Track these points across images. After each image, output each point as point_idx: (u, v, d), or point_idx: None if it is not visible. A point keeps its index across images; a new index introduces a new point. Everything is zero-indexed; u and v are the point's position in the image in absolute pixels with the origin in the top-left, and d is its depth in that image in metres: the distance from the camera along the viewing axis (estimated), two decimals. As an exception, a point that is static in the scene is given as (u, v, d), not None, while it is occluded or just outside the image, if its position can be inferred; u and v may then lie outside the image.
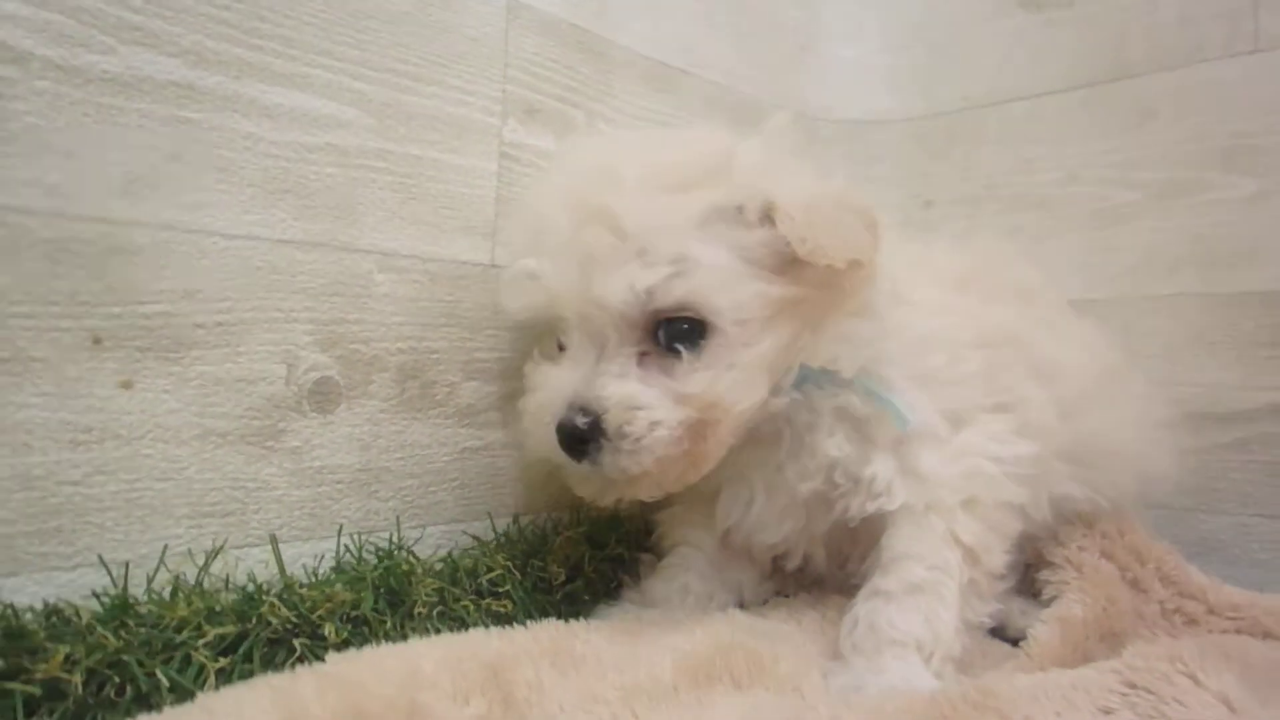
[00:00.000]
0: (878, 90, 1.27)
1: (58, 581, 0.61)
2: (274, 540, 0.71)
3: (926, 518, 0.71)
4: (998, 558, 0.73)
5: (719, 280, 0.64)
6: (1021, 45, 1.16)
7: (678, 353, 0.65)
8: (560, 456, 0.66)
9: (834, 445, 0.71)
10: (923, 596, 0.69)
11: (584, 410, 0.64)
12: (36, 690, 0.50)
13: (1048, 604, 0.79)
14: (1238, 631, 0.78)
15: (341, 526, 0.75)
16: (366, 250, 0.78)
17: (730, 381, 0.65)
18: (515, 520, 0.87)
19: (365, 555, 0.75)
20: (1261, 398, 0.98)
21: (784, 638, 0.73)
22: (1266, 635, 0.77)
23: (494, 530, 0.84)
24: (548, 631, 0.67)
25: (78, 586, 0.61)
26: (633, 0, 1.00)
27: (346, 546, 0.75)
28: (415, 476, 0.82)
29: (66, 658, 0.52)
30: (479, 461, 0.86)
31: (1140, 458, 0.84)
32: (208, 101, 0.67)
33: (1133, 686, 0.60)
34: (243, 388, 0.70)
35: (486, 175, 0.86)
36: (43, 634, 0.53)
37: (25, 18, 0.59)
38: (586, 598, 0.81)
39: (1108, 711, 0.58)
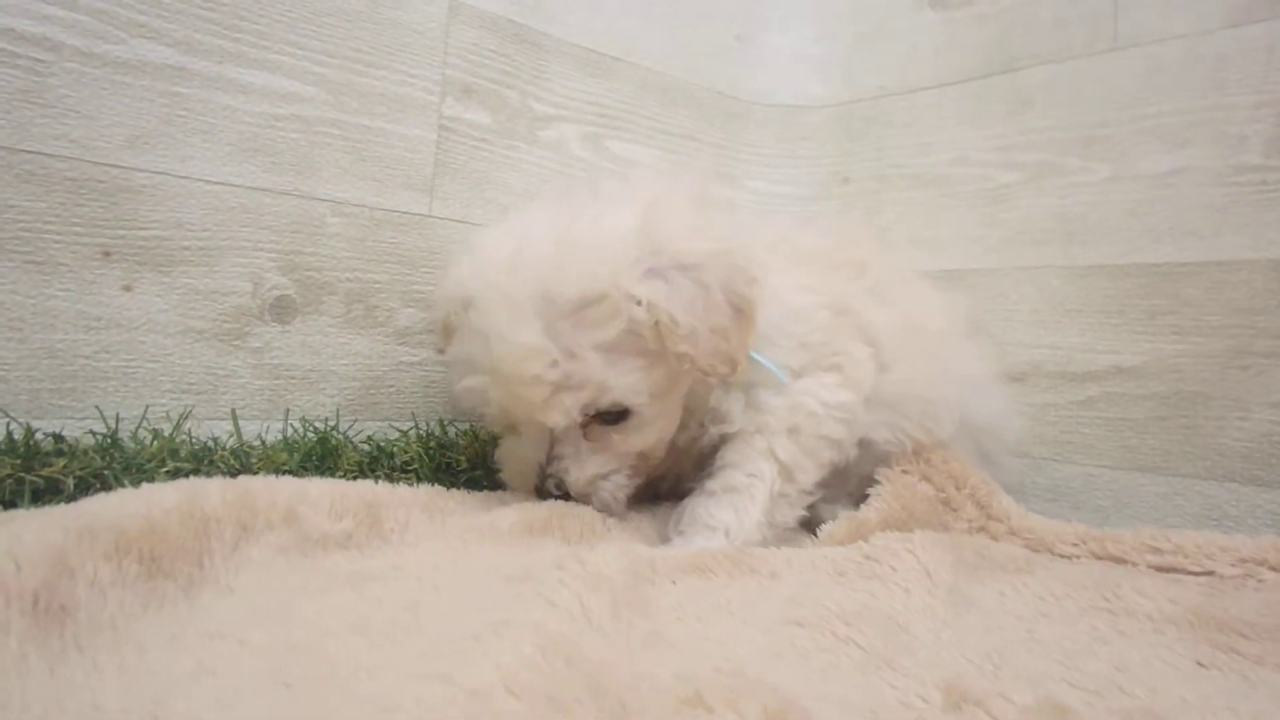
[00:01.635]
0: (808, 77, 1.43)
1: (71, 426, 0.84)
2: (234, 415, 0.93)
3: (754, 438, 0.89)
4: (808, 476, 0.90)
5: (631, 384, 0.81)
6: (929, 40, 1.30)
7: (612, 421, 0.84)
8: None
9: (713, 397, 0.89)
10: (737, 495, 0.87)
11: (556, 484, 0.85)
12: (41, 483, 0.73)
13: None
14: (1027, 547, 0.93)
15: (288, 411, 0.97)
16: (322, 199, 0.99)
17: (654, 433, 0.86)
18: (440, 423, 1.08)
19: (308, 435, 0.97)
20: (1106, 360, 1.11)
21: (636, 524, 0.92)
22: (1046, 550, 0.92)
23: (417, 427, 1.05)
24: (429, 491, 0.87)
25: (83, 430, 0.85)
26: (574, -2, 1.19)
27: (293, 426, 0.97)
28: (357, 380, 1.03)
29: (64, 467, 0.75)
30: (413, 374, 1.08)
31: (953, 407, 0.99)
32: (196, 80, 0.90)
33: (867, 558, 0.77)
34: (217, 298, 0.93)
35: (426, 143, 1.06)
36: (50, 450, 0.77)
37: (60, 17, 0.82)
38: (485, 484, 1.01)
39: (842, 574, 0.75)
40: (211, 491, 0.68)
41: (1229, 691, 0.53)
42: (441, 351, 0.92)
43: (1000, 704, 0.48)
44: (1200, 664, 0.57)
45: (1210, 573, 0.82)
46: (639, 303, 0.77)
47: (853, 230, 1.07)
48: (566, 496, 0.86)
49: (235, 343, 0.94)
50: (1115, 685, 0.53)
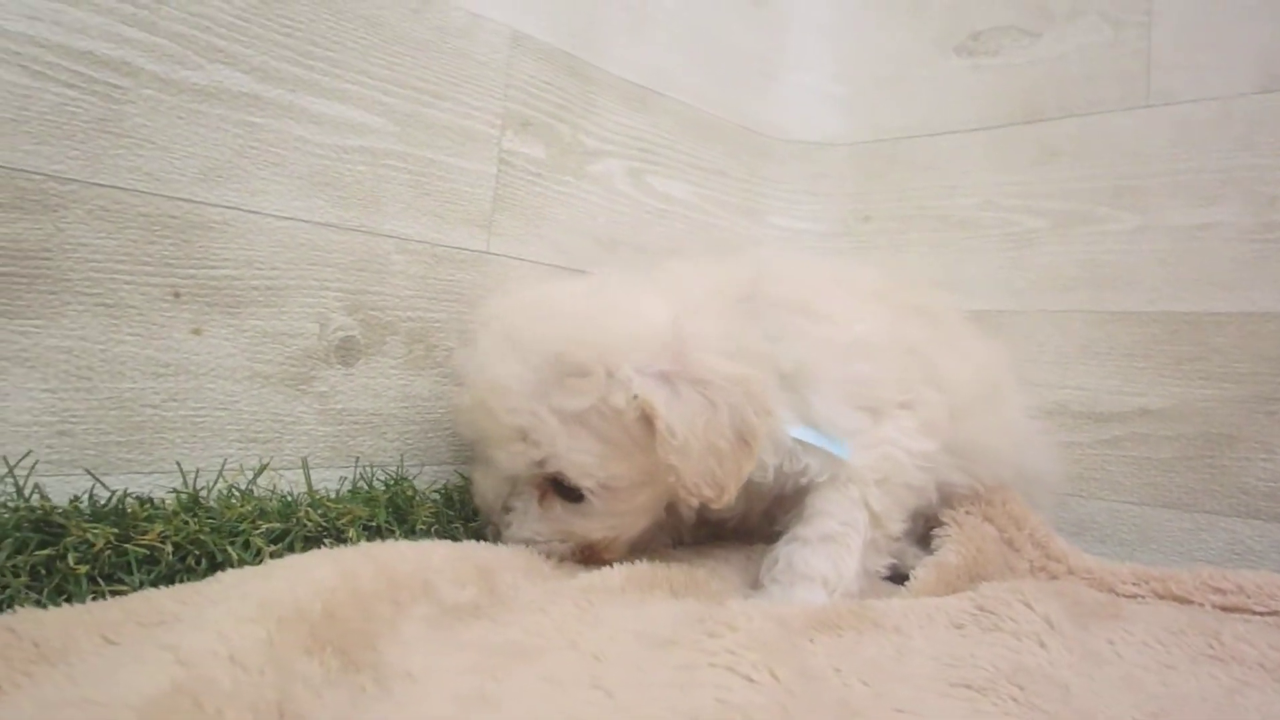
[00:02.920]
0: (829, 116, 1.45)
1: (138, 482, 0.78)
2: (305, 464, 0.88)
3: (847, 486, 0.89)
4: (896, 524, 0.91)
5: (580, 464, 0.78)
6: (954, 86, 1.34)
7: (569, 498, 0.82)
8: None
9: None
10: (833, 545, 0.87)
11: (494, 532, 0.86)
12: (144, 552, 0.67)
13: (934, 553, 0.97)
14: (1090, 588, 0.96)
15: (358, 458, 0.92)
16: (387, 234, 0.95)
17: (604, 528, 0.84)
18: (497, 465, 1.04)
19: (375, 483, 0.92)
20: (1133, 401, 1.16)
21: (715, 569, 0.91)
22: (1108, 590, 0.95)
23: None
24: (523, 553, 0.84)
25: (153, 487, 0.78)
26: (615, 30, 1.18)
27: (361, 475, 0.92)
28: (416, 423, 0.99)
29: (159, 533, 0.69)
30: (469, 415, 1.03)
31: (1014, 454, 1.02)
32: (270, 109, 0.84)
33: (981, 609, 0.77)
34: (284, 340, 0.87)
35: (486, 177, 1.03)
36: (140, 514, 0.70)
37: (139, 40, 0.76)
38: (553, 530, 0.98)
39: (959, 626, 0.75)
40: (360, 566, 0.64)
41: None
42: None
43: None
44: None
45: (1275, 612, 0.86)
46: (634, 396, 0.76)
47: (904, 275, 1.09)
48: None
49: (301, 387, 0.89)
50: None
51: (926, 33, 1.38)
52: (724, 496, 0.79)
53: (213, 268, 0.82)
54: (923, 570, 0.91)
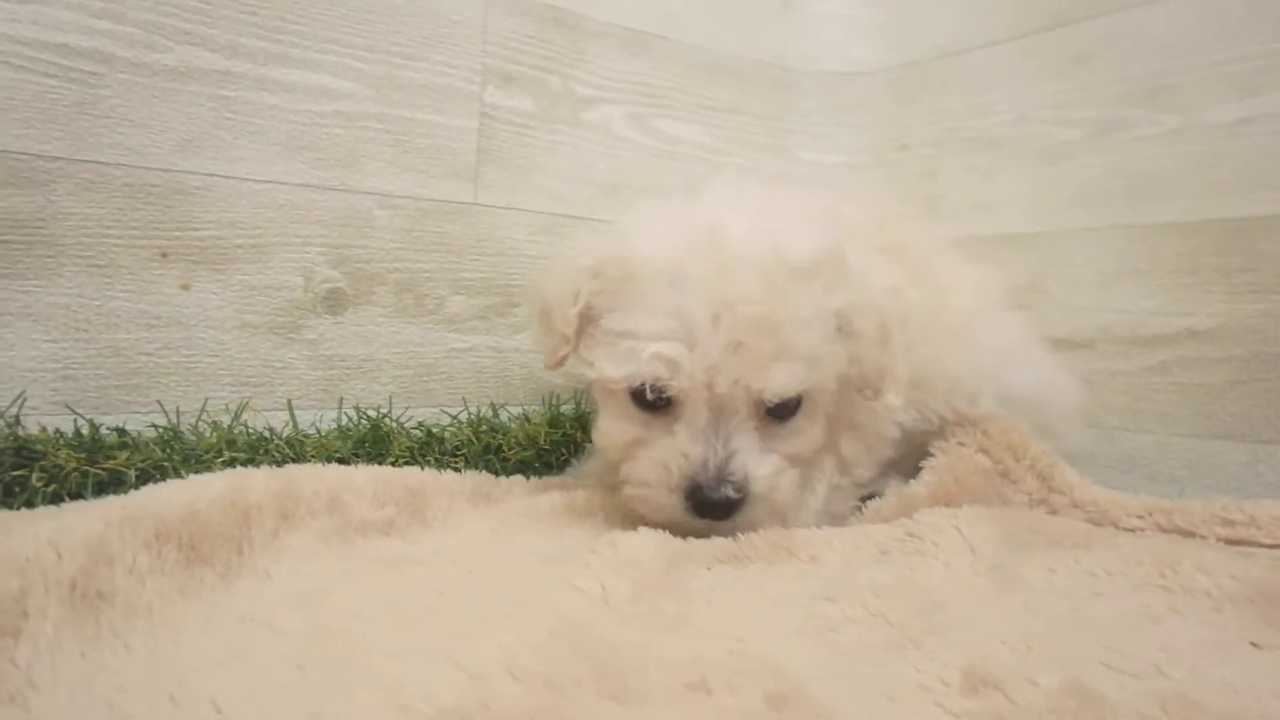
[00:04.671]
0: (856, 42, 1.39)
1: (136, 420, 0.89)
2: (289, 405, 0.97)
3: None
4: (865, 471, 0.90)
5: (832, 369, 0.77)
6: (982, -2, 1.25)
7: (778, 419, 0.78)
8: (681, 516, 0.76)
9: None
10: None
11: (734, 486, 0.74)
12: (105, 475, 0.77)
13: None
14: (1090, 521, 0.89)
15: (342, 399, 1.00)
16: (368, 192, 1.01)
17: (814, 437, 0.81)
18: (492, 407, 1.09)
19: (361, 422, 0.99)
20: (1179, 323, 1.05)
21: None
22: (1110, 523, 0.88)
23: (468, 412, 1.07)
24: (475, 477, 0.89)
25: (148, 424, 0.89)
26: (610, -22, 1.18)
27: (347, 415, 1.00)
28: (409, 368, 1.06)
29: (126, 459, 0.79)
30: (465, 360, 1.09)
31: (986, 380, 0.94)
32: (241, 83, 0.93)
33: (910, 535, 0.75)
34: (270, 293, 0.96)
35: (469, 132, 1.07)
36: (115, 444, 0.81)
37: (110, 30, 0.86)
38: (537, 466, 1.03)
39: (886, 552, 0.74)
40: (256, 481, 0.71)
41: (1267, 667, 0.51)
42: (568, 340, 0.80)
43: (1023, 687, 0.47)
44: (1254, 645, 0.54)
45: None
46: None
47: (891, 206, 1.03)
48: (721, 510, 0.75)
49: (290, 335, 0.98)
50: (1155, 667, 0.51)
51: (960, -57, 1.29)
52: (881, 392, 0.81)
53: (197, 229, 0.92)
54: (881, 502, 0.88)
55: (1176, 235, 1.06)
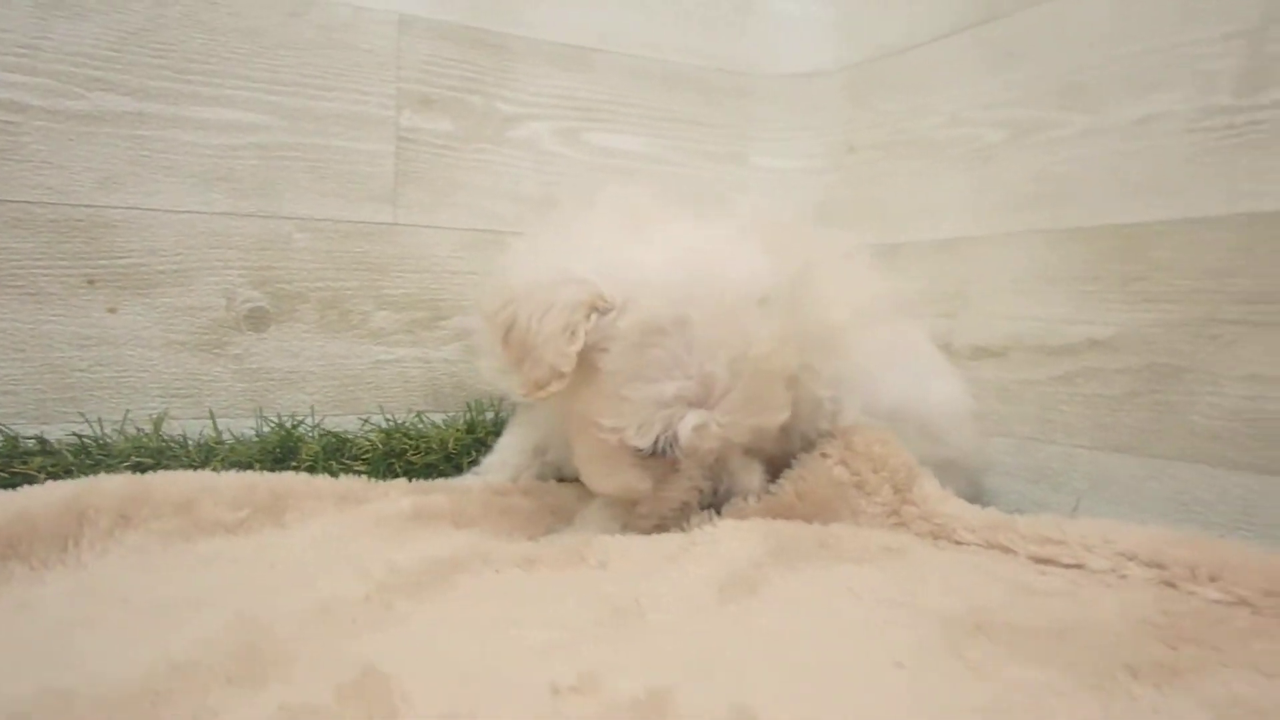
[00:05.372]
0: (817, 43, 1.36)
1: (71, 429, 1.00)
2: (212, 415, 1.06)
3: None
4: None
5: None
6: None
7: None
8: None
9: None
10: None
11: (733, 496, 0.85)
12: (8, 479, 0.88)
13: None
14: (934, 535, 0.89)
15: (262, 409, 1.09)
16: (287, 217, 1.10)
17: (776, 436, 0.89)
18: (417, 414, 1.16)
19: (285, 431, 1.08)
20: (1082, 332, 1.02)
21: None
22: (949, 538, 0.87)
23: (385, 419, 1.14)
24: (353, 483, 0.96)
25: (84, 434, 1.00)
26: (537, -4, 1.22)
27: (269, 422, 1.09)
28: (335, 379, 1.14)
29: (39, 465, 0.90)
30: (392, 370, 1.17)
31: (851, 394, 0.95)
32: (154, 123, 1.02)
33: (694, 543, 0.78)
34: (195, 313, 1.06)
35: (385, 155, 1.14)
36: (34, 450, 0.92)
37: (23, 82, 0.96)
38: (444, 469, 1.09)
39: (672, 559, 0.76)
40: (108, 485, 0.80)
41: (885, 690, 0.52)
42: (563, 377, 0.79)
43: (621, 690, 0.50)
44: (899, 664, 0.55)
45: (1080, 565, 0.76)
46: None
47: (785, 218, 1.04)
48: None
49: (215, 351, 1.07)
50: (750, 682, 0.53)
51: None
52: None
53: (121, 257, 1.02)
54: (720, 521, 0.90)
55: (1082, 241, 1.02)
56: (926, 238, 1.20)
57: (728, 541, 0.77)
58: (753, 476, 0.87)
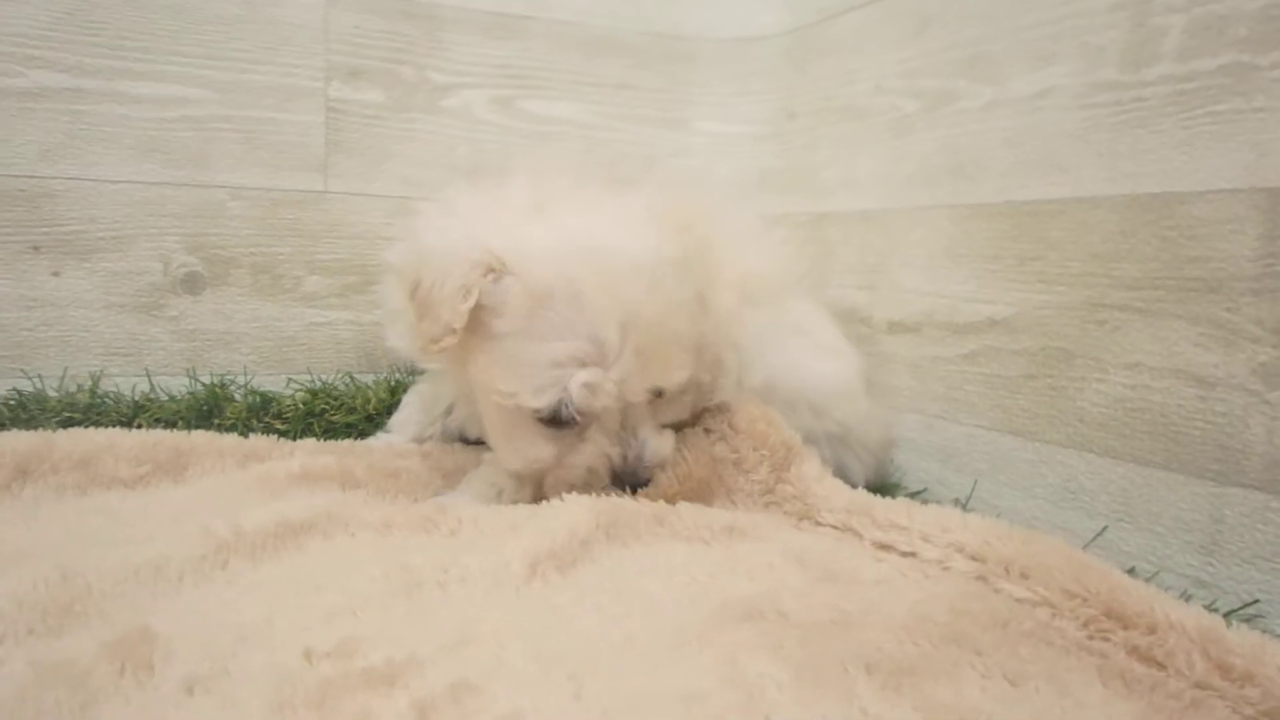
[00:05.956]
0: (759, 5, 1.34)
1: (19, 385, 1.08)
2: (149, 374, 1.14)
3: None
4: None
5: (699, 347, 0.88)
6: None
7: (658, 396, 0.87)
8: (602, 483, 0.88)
9: None
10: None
11: (647, 467, 0.87)
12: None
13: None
14: (800, 515, 0.90)
15: (194, 368, 1.16)
16: (220, 186, 1.15)
17: (689, 403, 0.94)
18: (348, 375, 1.22)
19: (219, 390, 1.15)
20: (984, 310, 1.00)
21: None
22: (810, 519, 0.88)
23: (313, 380, 1.20)
24: (259, 441, 1.02)
25: (30, 388, 1.08)
26: (477, -35, 1.23)
27: (203, 382, 1.15)
28: (269, 340, 1.20)
29: (-23, 418, 0.99)
30: (324, 333, 1.22)
31: (728, 373, 0.96)
32: (91, 97, 1.08)
33: (537, 515, 0.81)
34: (133, 277, 1.13)
35: (315, 126, 1.18)
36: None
37: (-35, 63, 1.03)
38: (363, 428, 1.14)
39: (516, 527, 0.80)
40: (12, 442, 0.87)
41: (613, 672, 0.54)
42: (455, 333, 0.81)
43: (368, 658, 0.54)
44: (644, 651, 0.57)
45: (914, 554, 0.76)
46: None
47: (686, 192, 1.04)
48: (637, 486, 0.87)
49: (153, 313, 1.14)
50: (498, 659, 0.56)
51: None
52: None
53: (63, 225, 1.09)
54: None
55: (985, 217, 0.99)
56: (853, 208, 1.19)
57: (566, 515, 0.80)
58: (663, 444, 0.88)
